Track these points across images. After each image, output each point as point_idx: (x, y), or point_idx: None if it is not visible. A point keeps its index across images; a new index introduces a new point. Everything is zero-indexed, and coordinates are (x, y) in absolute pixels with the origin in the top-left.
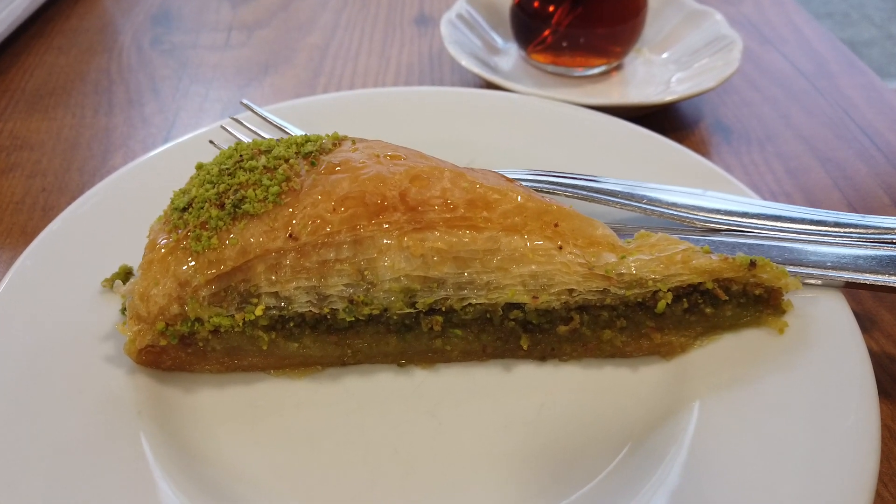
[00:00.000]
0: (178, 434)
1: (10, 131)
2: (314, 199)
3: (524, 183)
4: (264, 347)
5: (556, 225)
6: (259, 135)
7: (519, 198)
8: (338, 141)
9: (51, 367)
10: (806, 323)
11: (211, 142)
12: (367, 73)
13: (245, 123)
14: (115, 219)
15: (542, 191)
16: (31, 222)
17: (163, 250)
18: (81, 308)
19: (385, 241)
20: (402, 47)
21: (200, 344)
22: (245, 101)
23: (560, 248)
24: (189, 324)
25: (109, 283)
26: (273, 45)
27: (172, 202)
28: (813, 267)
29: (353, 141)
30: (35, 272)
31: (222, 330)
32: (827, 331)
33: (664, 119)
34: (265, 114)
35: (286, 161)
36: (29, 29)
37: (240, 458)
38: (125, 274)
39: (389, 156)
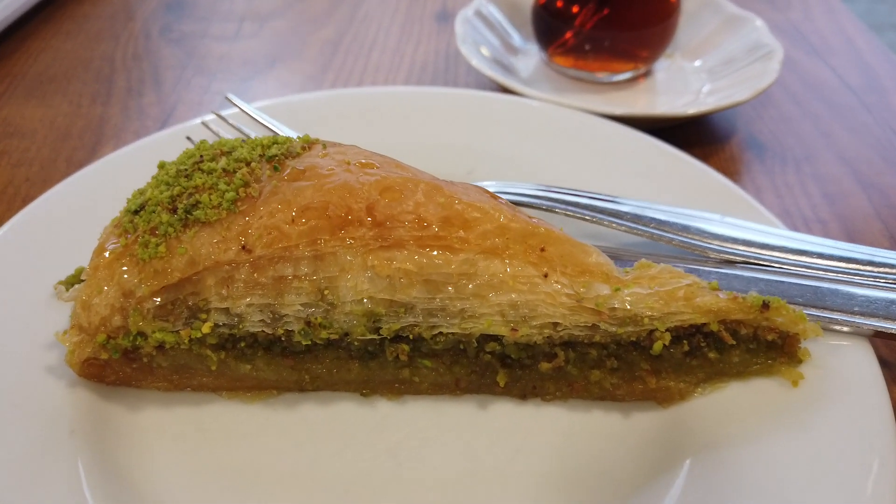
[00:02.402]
0: (113, 456)
1: (4, 118)
2: (272, 208)
3: (517, 198)
4: (213, 367)
5: (542, 249)
6: (244, 133)
7: (502, 217)
8: (308, 144)
9: None
10: (825, 376)
11: (188, 138)
12: (377, 71)
13: (229, 121)
14: (83, 216)
15: (536, 207)
16: (9, 213)
17: (108, 255)
18: (31, 312)
19: (348, 258)
20: (419, 44)
21: (145, 360)
22: (229, 96)
23: (545, 275)
24: (131, 338)
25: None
26: (284, 37)
27: (128, 203)
28: (838, 311)
29: (325, 145)
30: None
31: (167, 346)
32: (848, 386)
33: (693, 131)
34: (251, 110)
35: (247, 164)
36: (40, 13)
37: (176, 488)
38: (80, 278)
39: (361, 163)
